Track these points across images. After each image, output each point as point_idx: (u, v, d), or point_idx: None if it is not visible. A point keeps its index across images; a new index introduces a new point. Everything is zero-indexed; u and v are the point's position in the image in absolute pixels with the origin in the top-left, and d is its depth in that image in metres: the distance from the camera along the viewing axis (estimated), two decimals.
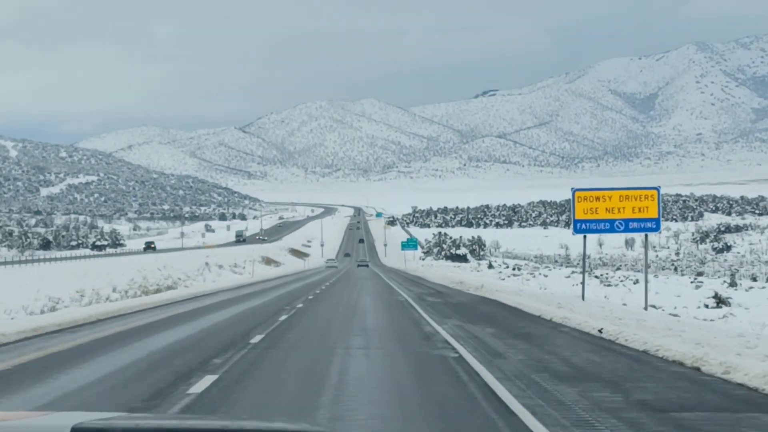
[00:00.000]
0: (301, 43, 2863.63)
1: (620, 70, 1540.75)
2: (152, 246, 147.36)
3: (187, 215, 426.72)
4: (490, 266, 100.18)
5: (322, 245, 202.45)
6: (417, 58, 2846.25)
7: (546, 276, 64.39)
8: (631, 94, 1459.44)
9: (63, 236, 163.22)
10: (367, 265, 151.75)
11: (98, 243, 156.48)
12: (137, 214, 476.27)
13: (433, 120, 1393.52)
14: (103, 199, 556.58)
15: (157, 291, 46.39)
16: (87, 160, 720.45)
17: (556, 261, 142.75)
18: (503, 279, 63.99)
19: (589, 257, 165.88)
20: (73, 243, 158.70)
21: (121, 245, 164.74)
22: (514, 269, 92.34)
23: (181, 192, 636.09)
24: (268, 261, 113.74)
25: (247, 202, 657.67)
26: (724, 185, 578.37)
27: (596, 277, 64.62)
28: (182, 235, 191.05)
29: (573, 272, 77.80)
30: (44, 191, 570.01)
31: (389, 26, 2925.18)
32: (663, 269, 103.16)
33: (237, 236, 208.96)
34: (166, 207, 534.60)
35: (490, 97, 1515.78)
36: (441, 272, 78.89)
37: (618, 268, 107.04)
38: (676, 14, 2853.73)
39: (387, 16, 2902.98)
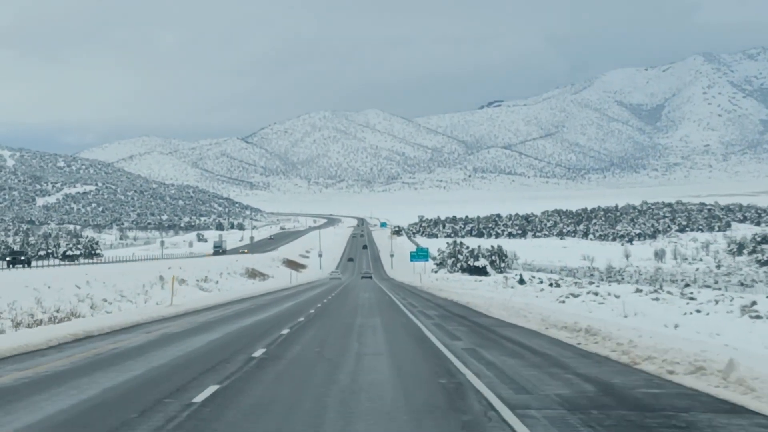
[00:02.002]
0: (305, 53, 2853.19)
1: (626, 81, 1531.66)
2: (22, 259, 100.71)
3: (182, 225, 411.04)
4: (522, 281, 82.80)
5: (320, 255, 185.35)
6: (421, 68, 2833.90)
7: (617, 296, 46.99)
8: (638, 105, 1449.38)
9: (32, 245, 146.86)
10: (370, 277, 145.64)
11: (70, 253, 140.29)
12: (134, 224, 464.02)
13: (438, 131, 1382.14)
14: (100, 209, 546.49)
15: (33, 325, 28.85)
16: (85, 170, 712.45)
17: (592, 274, 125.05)
18: (562, 301, 46.38)
19: (621, 270, 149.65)
20: (42, 253, 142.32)
21: (98, 255, 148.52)
22: (551, 285, 74.95)
23: (180, 202, 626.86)
24: (252, 274, 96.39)
25: (248, 212, 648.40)
26: (733, 197, 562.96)
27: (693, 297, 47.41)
28: (162, 244, 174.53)
29: (638, 290, 59.95)
30: (40, 201, 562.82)
31: (393, 36, 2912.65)
32: (745, 286, 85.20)
33: (215, 247, 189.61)
34: (164, 217, 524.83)
35: (495, 108, 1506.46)
36: (486, 293, 58.13)
37: (687, 285, 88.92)
38: (682, 25, 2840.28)
39: (391, 26, 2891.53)
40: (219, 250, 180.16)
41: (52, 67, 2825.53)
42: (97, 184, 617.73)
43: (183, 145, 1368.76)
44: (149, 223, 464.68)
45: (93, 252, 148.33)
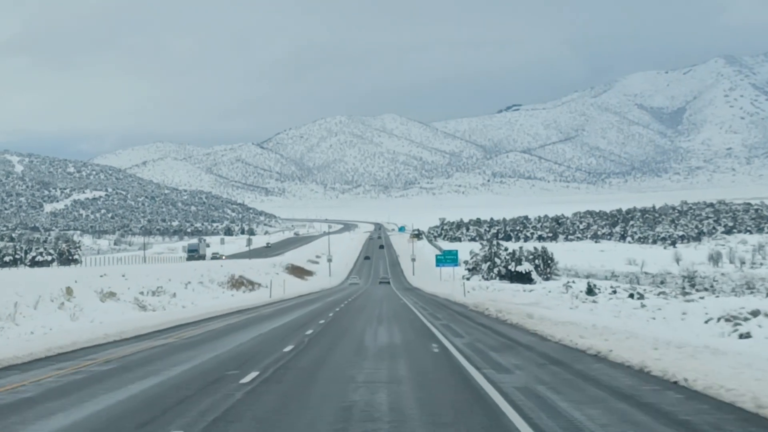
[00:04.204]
0: (321, 58, 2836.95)
1: (647, 84, 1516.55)
2: None
3: (189, 230, 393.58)
4: (590, 291, 62.92)
5: (329, 260, 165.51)
6: (439, 72, 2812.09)
7: None
8: (659, 108, 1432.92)
9: None
10: (388, 282, 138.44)
11: (39, 258, 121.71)
12: (142, 230, 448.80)
13: (456, 135, 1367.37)
14: (109, 215, 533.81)
15: None
16: (95, 176, 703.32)
17: (662, 281, 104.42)
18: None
19: (692, 276, 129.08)
20: (7, 258, 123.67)
21: (75, 261, 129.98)
22: (632, 297, 54.91)
23: (193, 208, 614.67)
24: (238, 283, 76.07)
25: (262, 218, 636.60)
26: (758, 200, 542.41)
27: None
28: (144, 247, 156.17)
29: None
30: (48, 207, 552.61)
31: (410, 40, 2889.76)
32: None
33: (189, 251, 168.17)
34: (175, 223, 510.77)
35: (514, 112, 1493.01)
36: (608, 321, 33.02)
37: None
38: (703, 28, 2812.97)
39: (408, 29, 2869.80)
40: (195, 254, 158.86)
41: (65, 75, 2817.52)
42: (106, 190, 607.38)
43: (197, 151, 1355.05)
44: (158, 229, 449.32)
45: (70, 257, 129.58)
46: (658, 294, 60.69)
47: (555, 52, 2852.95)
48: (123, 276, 48.30)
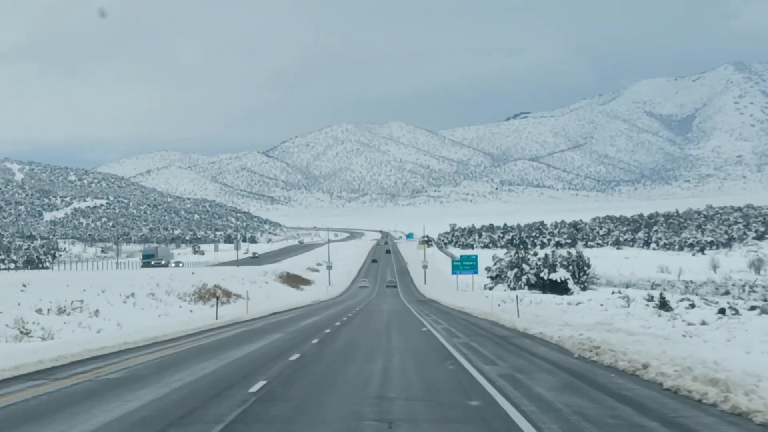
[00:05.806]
0: (327, 65, 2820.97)
1: (656, 92, 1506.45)
2: None
3: (187, 238, 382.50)
4: (664, 304, 48.61)
5: (329, 268, 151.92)
6: (446, 79, 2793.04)
7: None
8: (668, 115, 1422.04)
9: None
10: (395, 286, 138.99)
11: (1, 266, 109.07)
12: (142, 238, 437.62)
13: (463, 143, 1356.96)
14: (111, 223, 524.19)
15: None
16: (97, 184, 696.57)
17: (727, 292, 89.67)
18: None
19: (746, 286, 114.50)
20: None
21: (45, 268, 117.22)
22: (723, 312, 40.71)
23: (196, 216, 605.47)
24: (208, 295, 61.48)
25: (267, 226, 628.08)
26: None
27: None
28: (118, 253, 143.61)
29: None
30: (48, 216, 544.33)
31: (417, 48, 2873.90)
32: None
33: (144, 257, 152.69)
34: (177, 231, 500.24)
35: (522, 120, 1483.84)
36: None
37: None
38: (712, 34, 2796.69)
39: (415, 37, 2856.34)
40: (150, 261, 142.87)
41: (70, 83, 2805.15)
42: (108, 198, 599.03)
43: (202, 159, 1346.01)
44: (158, 237, 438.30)
45: (40, 264, 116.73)
46: (750, 308, 46.43)
47: (563, 60, 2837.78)
48: (23, 286, 33.83)
